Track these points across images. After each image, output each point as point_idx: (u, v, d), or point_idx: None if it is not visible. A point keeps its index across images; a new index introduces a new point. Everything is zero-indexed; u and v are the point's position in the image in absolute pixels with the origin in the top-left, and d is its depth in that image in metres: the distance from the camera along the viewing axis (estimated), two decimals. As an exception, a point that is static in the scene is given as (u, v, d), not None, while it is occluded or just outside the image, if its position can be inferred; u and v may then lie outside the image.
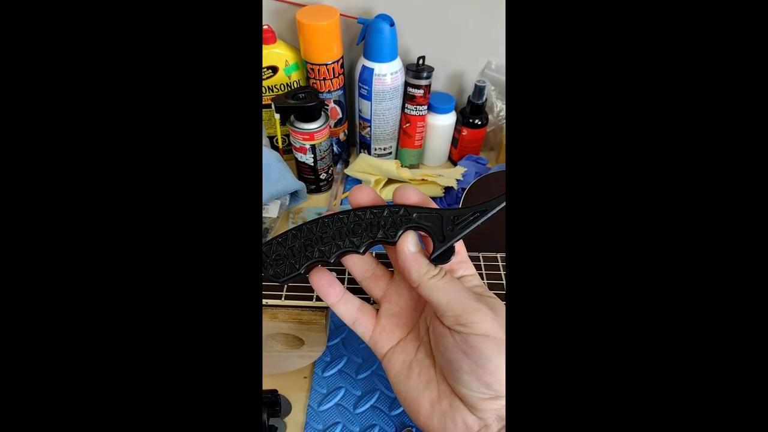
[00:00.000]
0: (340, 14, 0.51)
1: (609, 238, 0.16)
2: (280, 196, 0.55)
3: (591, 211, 0.17)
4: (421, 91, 0.56)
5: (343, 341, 0.44)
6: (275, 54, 0.54)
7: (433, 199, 0.58)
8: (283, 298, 0.33)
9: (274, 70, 0.55)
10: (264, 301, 0.33)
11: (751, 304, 0.15)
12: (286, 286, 0.33)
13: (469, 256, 0.27)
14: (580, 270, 0.17)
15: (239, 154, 0.18)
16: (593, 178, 0.17)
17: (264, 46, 0.53)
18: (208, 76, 0.18)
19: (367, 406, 0.39)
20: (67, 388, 0.16)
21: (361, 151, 0.64)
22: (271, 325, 0.33)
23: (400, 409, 0.39)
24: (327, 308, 0.34)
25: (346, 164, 0.64)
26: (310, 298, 0.33)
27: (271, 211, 0.55)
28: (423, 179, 0.57)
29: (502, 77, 0.60)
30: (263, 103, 0.58)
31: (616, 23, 0.16)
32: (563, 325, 0.17)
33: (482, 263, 0.36)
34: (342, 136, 0.63)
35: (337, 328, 0.45)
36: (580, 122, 0.17)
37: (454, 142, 0.63)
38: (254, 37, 0.19)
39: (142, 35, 0.17)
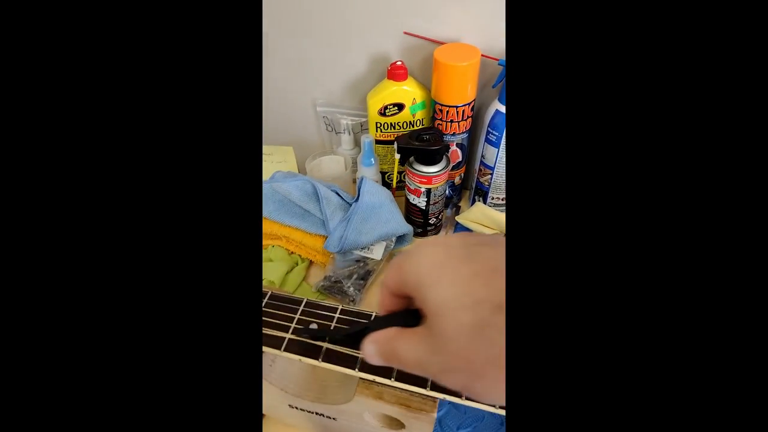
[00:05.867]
0: (482, 55, 0.48)
1: (610, 256, 0.16)
2: (386, 238, 0.52)
3: (592, 225, 0.16)
4: (558, 144, 0.50)
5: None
6: (404, 91, 0.52)
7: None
8: (393, 378, 0.29)
9: (400, 107, 0.53)
10: (372, 377, 0.29)
11: (751, 305, 0.14)
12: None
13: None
14: (578, 290, 0.16)
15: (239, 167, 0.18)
16: (594, 193, 0.16)
17: (394, 83, 0.51)
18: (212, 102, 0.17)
19: None
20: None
21: (476, 198, 0.59)
22: (373, 404, 0.29)
23: None
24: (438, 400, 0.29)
25: (457, 209, 0.60)
26: (423, 384, 0.28)
27: (375, 252, 0.52)
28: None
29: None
30: (385, 138, 0.56)
31: (611, 43, 0.16)
32: (563, 342, 0.16)
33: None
34: (457, 180, 0.59)
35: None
36: (579, 138, 0.16)
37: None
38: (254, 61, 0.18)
39: (154, 44, 0.17)
